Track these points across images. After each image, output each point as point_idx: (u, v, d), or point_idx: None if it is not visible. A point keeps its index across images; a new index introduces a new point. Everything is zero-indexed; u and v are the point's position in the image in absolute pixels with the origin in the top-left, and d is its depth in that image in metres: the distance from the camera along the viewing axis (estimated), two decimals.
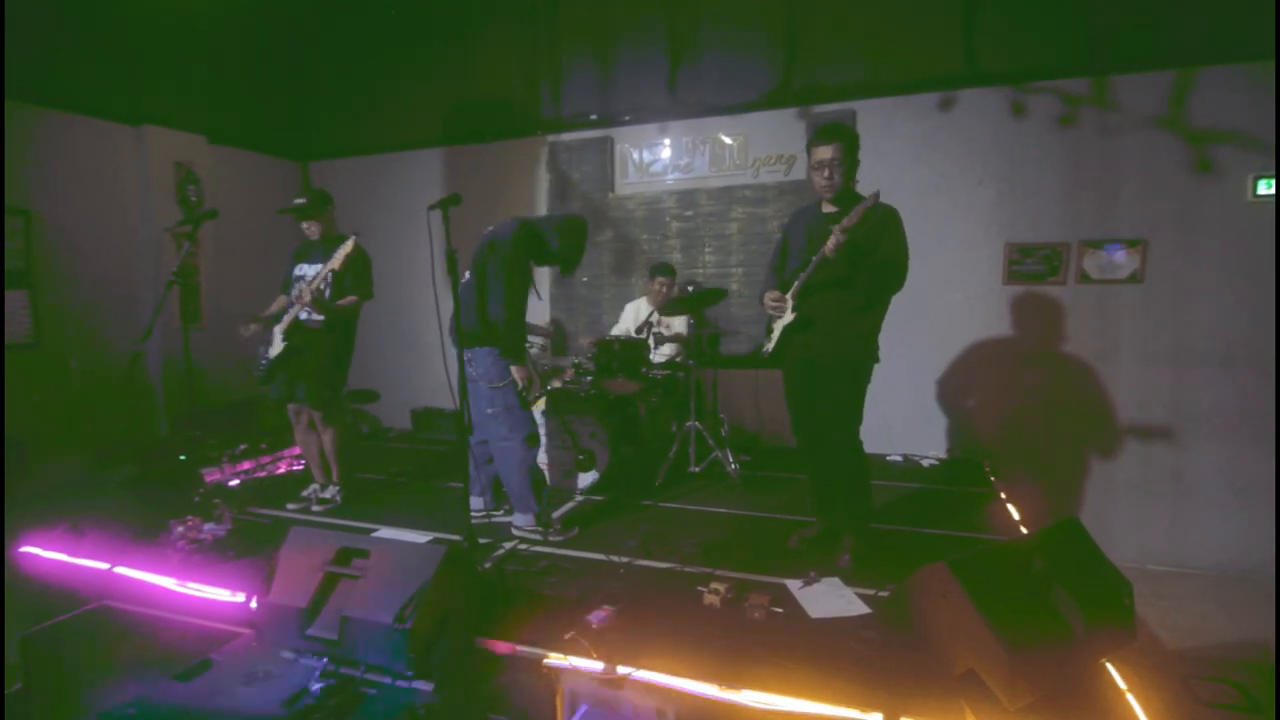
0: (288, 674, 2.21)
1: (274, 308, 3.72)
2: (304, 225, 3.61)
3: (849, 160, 2.75)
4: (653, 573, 2.88)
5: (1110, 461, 4.55)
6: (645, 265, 5.30)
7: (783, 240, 3.06)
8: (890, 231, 2.72)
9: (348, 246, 3.33)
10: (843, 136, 2.75)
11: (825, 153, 2.74)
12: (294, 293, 3.59)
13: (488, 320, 3.14)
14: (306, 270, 3.61)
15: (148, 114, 5.04)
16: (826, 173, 2.76)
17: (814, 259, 2.72)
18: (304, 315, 3.53)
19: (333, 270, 3.37)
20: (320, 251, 3.60)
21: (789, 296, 2.86)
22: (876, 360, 2.85)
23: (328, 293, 3.49)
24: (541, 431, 4.04)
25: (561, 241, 3.28)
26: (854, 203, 2.65)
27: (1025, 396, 4.69)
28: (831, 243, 2.60)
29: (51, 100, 4.56)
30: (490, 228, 3.27)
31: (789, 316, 2.86)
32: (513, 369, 3.18)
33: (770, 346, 2.98)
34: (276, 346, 3.52)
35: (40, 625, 2.58)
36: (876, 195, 2.60)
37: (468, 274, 3.23)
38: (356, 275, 3.55)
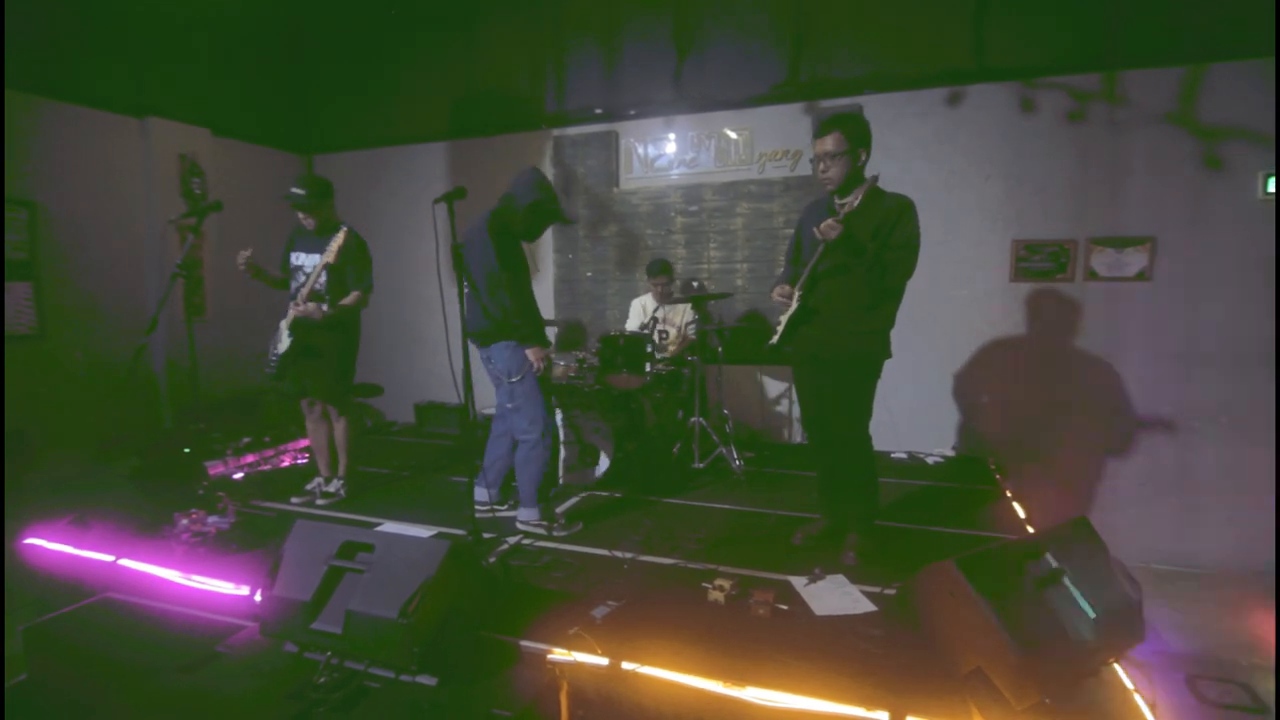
0: (291, 668, 2.20)
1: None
2: (301, 218, 3.58)
3: (851, 150, 2.68)
4: (657, 569, 2.87)
5: (1117, 460, 4.52)
6: (650, 260, 5.29)
7: (797, 234, 3.05)
8: (905, 221, 2.68)
9: (340, 238, 3.31)
10: (840, 126, 2.68)
11: (823, 145, 2.71)
12: (294, 286, 3.58)
13: (494, 315, 3.14)
14: (304, 260, 3.58)
15: (151, 106, 5.03)
16: (823, 165, 2.72)
17: (817, 247, 2.71)
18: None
19: (328, 264, 3.36)
20: (315, 240, 3.57)
21: (796, 287, 2.84)
22: (888, 356, 2.83)
23: (323, 279, 3.46)
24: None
25: (533, 195, 3.13)
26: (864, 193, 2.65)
27: (1031, 394, 4.66)
28: (824, 225, 2.60)
29: (55, 92, 4.55)
30: (468, 227, 3.24)
31: (793, 307, 2.85)
32: (528, 351, 3.16)
33: (775, 339, 2.97)
34: (284, 343, 3.51)
35: (44, 617, 2.58)
36: (875, 178, 2.64)
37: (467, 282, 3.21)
38: (357, 268, 3.53)
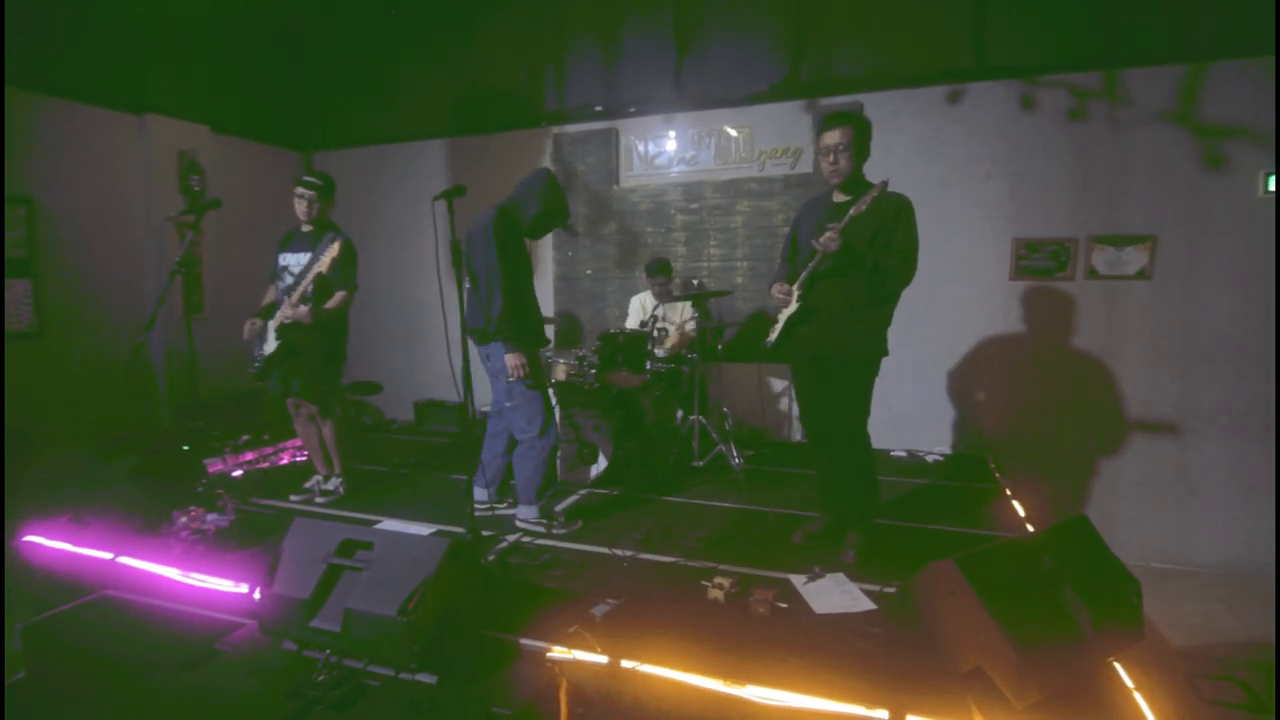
0: (290, 666, 2.20)
1: (268, 298, 3.69)
2: (298, 206, 3.52)
3: (858, 146, 2.70)
4: (656, 567, 2.87)
5: (1116, 458, 4.52)
6: (649, 258, 5.28)
7: (793, 231, 3.04)
8: (904, 224, 2.68)
9: (334, 250, 3.28)
10: (851, 121, 2.70)
11: (832, 137, 2.69)
12: (280, 287, 3.55)
13: (490, 314, 3.13)
14: (290, 260, 3.54)
15: (151, 103, 5.01)
16: (832, 158, 2.71)
17: (816, 253, 2.70)
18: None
19: (320, 274, 3.33)
20: (306, 241, 3.55)
21: (796, 287, 2.84)
22: (885, 354, 2.83)
23: (310, 290, 3.42)
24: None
25: (542, 203, 3.18)
26: (864, 191, 2.63)
27: (1031, 393, 4.66)
28: (825, 239, 2.59)
29: (54, 88, 4.53)
30: (472, 222, 3.23)
31: (792, 306, 2.84)
32: (507, 355, 3.13)
33: (773, 337, 2.96)
34: (270, 344, 3.49)
35: (43, 615, 2.58)
36: (885, 183, 2.60)
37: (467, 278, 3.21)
38: (343, 270, 3.48)
